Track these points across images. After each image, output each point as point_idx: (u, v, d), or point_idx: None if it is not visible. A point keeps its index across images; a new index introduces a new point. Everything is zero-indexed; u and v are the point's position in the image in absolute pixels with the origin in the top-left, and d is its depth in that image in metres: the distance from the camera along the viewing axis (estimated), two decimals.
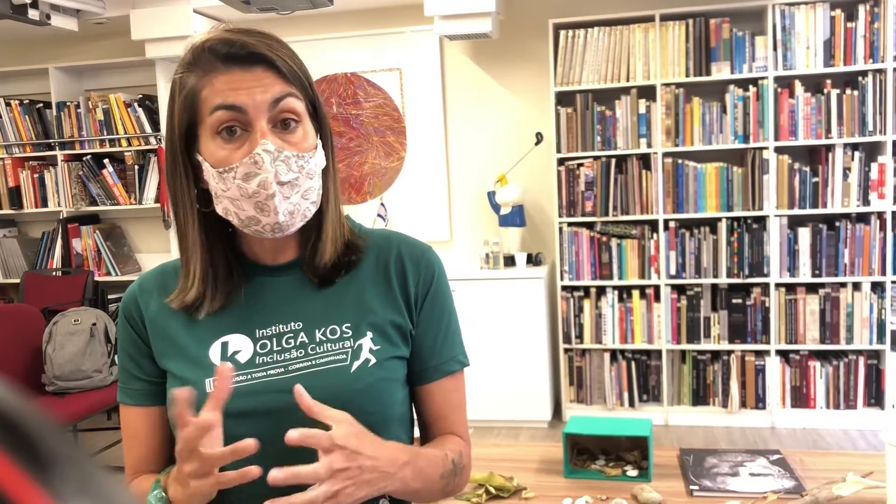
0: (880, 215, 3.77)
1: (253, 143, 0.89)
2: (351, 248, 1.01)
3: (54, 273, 4.65)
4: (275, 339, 0.97)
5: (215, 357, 0.95)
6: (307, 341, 0.96)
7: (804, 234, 3.85)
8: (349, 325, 0.98)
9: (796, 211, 3.83)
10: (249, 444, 0.80)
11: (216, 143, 0.91)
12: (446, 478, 0.99)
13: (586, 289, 4.10)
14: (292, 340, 0.96)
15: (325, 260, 0.98)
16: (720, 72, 3.86)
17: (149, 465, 1.00)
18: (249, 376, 0.94)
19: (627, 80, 3.94)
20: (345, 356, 0.96)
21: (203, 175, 0.94)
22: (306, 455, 0.92)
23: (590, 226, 4.06)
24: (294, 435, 0.81)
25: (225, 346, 0.96)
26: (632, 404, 4.08)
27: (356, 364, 0.95)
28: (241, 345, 0.96)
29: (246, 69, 0.90)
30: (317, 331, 0.97)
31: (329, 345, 0.96)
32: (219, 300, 0.97)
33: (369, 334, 0.97)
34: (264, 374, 0.94)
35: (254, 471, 0.81)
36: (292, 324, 0.97)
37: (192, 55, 0.92)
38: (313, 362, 0.95)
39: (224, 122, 0.90)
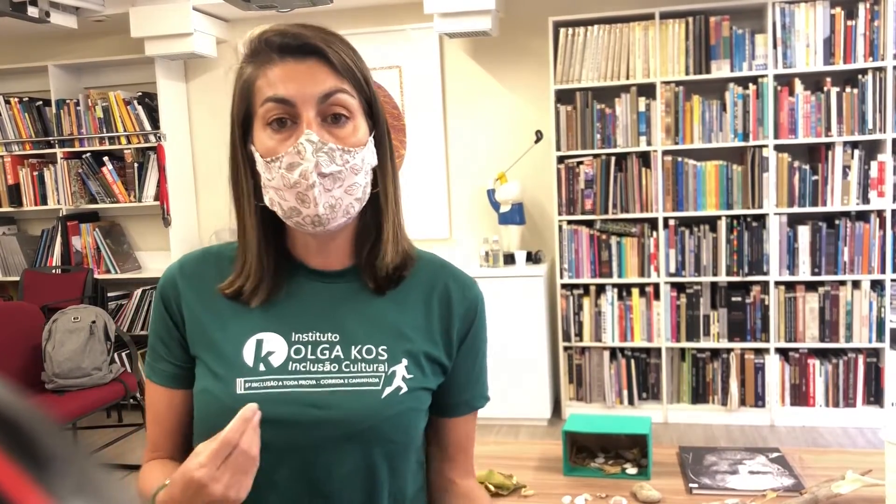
0: (880, 213, 3.77)
1: (299, 135, 0.89)
2: (406, 261, 1.00)
3: (54, 271, 4.65)
4: (310, 347, 0.95)
5: (249, 356, 0.94)
6: (342, 356, 0.95)
7: (804, 232, 3.85)
8: (385, 347, 0.96)
9: (796, 209, 3.83)
10: (252, 407, 0.81)
11: (266, 133, 0.91)
12: None
13: (586, 287, 4.10)
14: (327, 352, 0.95)
15: (388, 261, 0.97)
16: (720, 70, 3.85)
17: (166, 443, 1.00)
18: (281, 383, 0.93)
19: (627, 78, 3.93)
20: (377, 380, 0.94)
21: (256, 167, 0.94)
22: (331, 465, 0.93)
23: (589, 224, 4.06)
24: None
25: (259, 344, 0.95)
26: (631, 402, 4.08)
27: (388, 390, 0.94)
28: (275, 345, 0.95)
29: (299, 60, 0.91)
30: (353, 347, 0.95)
31: (363, 364, 0.95)
32: (263, 294, 0.96)
33: (404, 361, 0.96)
34: (296, 382, 0.93)
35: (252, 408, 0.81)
36: (329, 334, 0.96)
37: (250, 46, 0.94)
38: (345, 381, 0.93)
39: (274, 114, 0.90)
